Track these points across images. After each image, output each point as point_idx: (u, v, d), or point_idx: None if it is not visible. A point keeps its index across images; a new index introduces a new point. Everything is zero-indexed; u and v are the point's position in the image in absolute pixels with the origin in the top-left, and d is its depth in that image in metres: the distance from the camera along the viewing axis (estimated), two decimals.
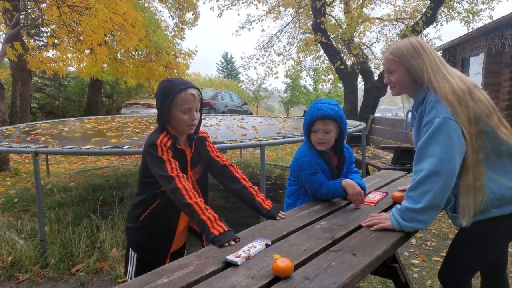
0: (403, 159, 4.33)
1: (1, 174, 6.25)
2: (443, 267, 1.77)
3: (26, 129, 5.04)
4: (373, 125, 5.95)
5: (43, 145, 3.33)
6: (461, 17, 10.81)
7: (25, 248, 3.19)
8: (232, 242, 1.47)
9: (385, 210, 1.86)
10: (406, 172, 2.61)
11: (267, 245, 1.46)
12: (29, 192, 5.03)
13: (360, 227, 1.65)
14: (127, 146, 3.14)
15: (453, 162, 1.47)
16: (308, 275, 1.24)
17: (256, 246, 1.44)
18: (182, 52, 13.90)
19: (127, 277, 1.88)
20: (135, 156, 7.29)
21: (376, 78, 12.07)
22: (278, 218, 1.74)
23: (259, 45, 13.21)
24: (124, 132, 4.36)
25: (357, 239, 1.52)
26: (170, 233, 1.79)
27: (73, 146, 3.19)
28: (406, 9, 11.35)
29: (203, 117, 1.90)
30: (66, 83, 15.74)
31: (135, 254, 1.83)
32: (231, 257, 1.34)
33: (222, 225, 1.52)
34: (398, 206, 1.61)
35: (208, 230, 1.50)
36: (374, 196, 2.01)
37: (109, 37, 11.79)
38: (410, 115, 1.77)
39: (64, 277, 2.96)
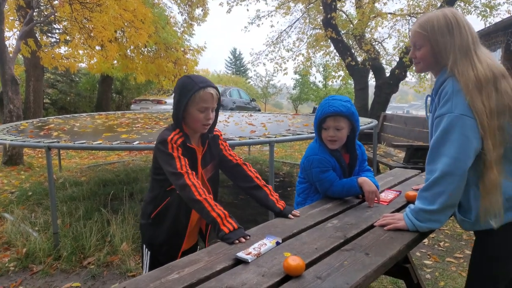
0: (416, 157, 4.28)
1: (15, 168, 6.35)
2: (470, 284, 1.62)
3: (39, 124, 5.10)
4: (384, 123, 5.90)
5: (55, 140, 3.36)
6: (478, 12, 10.55)
7: (39, 240, 3.24)
8: (243, 239, 1.46)
9: (399, 210, 1.84)
10: (419, 171, 2.57)
11: (277, 243, 1.45)
12: (42, 186, 5.10)
13: (372, 226, 1.63)
14: (137, 142, 3.15)
15: (468, 162, 1.40)
16: (320, 274, 1.23)
17: (267, 243, 1.43)
18: (191, 48, 13.93)
19: (144, 272, 1.89)
20: (145, 151, 7.34)
21: (387, 74, 11.94)
22: (291, 217, 1.71)
23: (268, 41, 13.15)
24: (134, 128, 4.39)
25: (370, 239, 1.50)
26: (181, 231, 1.78)
27: (84, 141, 3.21)
28: (420, 3, 11.14)
29: None
30: (77, 79, 15.89)
31: (148, 251, 1.84)
32: (241, 254, 1.33)
33: (232, 222, 1.52)
34: (411, 206, 1.58)
35: (218, 227, 1.49)
36: (387, 195, 1.99)
37: (119, 33, 11.86)
38: (429, 101, 1.63)
39: (76, 269, 3.01)
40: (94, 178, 5.46)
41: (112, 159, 7.39)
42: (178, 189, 1.60)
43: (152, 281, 1.19)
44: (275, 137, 3.31)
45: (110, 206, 3.92)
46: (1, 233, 3.60)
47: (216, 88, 1.70)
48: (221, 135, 1.89)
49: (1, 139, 3.44)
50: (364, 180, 1.90)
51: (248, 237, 1.48)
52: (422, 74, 12.77)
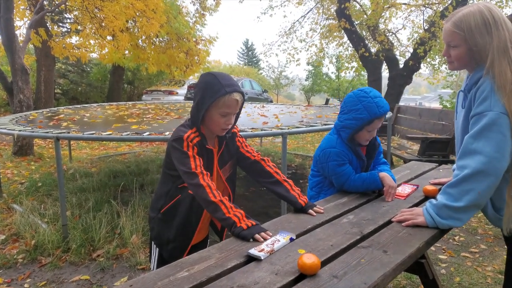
0: (431, 150, 4.16)
1: (25, 158, 6.38)
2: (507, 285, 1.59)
3: (49, 114, 5.10)
4: (398, 115, 5.76)
5: (64, 131, 3.33)
6: (495, 2, 10.25)
7: (48, 232, 3.23)
8: (264, 235, 1.38)
9: (416, 205, 1.75)
10: (436, 164, 2.47)
11: (291, 239, 1.38)
12: (52, 176, 5.11)
13: (390, 222, 1.55)
14: (147, 133, 3.10)
15: (504, 162, 1.33)
16: (336, 273, 1.16)
17: (280, 240, 1.36)
18: (203, 38, 13.84)
19: (152, 269, 1.85)
20: (155, 142, 7.33)
21: (401, 66, 11.71)
22: (313, 214, 1.63)
23: (281, 32, 12.98)
24: (145, 119, 4.34)
25: (388, 235, 1.42)
26: (191, 229, 1.72)
27: (94, 132, 3.18)
28: None
29: None
30: (88, 69, 15.95)
31: (157, 247, 1.79)
32: (253, 251, 1.27)
33: (250, 221, 1.45)
34: (433, 201, 1.50)
35: (235, 226, 1.42)
36: (404, 189, 1.90)
37: (131, 23, 11.83)
38: (461, 96, 1.55)
39: (85, 262, 2.99)
40: (104, 169, 5.45)
41: (123, 150, 7.39)
42: (192, 189, 1.53)
43: (161, 279, 1.13)
44: (288, 128, 3.22)
45: (120, 198, 3.90)
46: (10, 224, 3.60)
47: (242, 93, 1.61)
48: (238, 131, 1.80)
49: (10, 129, 3.42)
50: (385, 175, 1.84)
51: (269, 234, 1.39)
52: (436, 65, 12.50)
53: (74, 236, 3.20)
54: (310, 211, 1.63)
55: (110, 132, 3.15)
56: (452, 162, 4.24)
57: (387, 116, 4.31)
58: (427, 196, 1.82)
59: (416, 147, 5.06)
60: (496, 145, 1.32)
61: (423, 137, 4.30)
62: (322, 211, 1.65)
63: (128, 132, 3.13)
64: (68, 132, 3.30)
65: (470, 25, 1.38)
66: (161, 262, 1.76)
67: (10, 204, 4.12)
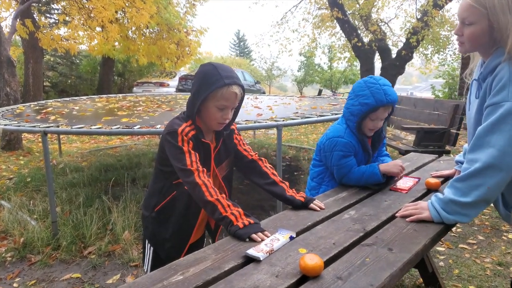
0: (426, 140, 4.12)
1: (14, 153, 6.23)
2: None
3: (37, 107, 4.95)
4: None
5: (52, 125, 3.22)
6: None
7: (37, 229, 3.13)
8: (260, 234, 1.31)
9: (419, 199, 1.69)
10: (436, 156, 2.42)
11: (291, 238, 1.31)
12: (41, 171, 4.98)
13: (393, 217, 1.49)
14: (138, 126, 3.01)
15: None
16: (340, 274, 1.09)
17: (279, 238, 1.29)
18: (194, 29, 13.62)
19: (145, 269, 1.77)
20: (147, 135, 7.20)
21: (394, 56, 11.67)
22: (317, 208, 1.56)
23: (273, 22, 12.84)
24: (135, 112, 4.23)
25: (392, 232, 1.36)
26: (188, 227, 1.64)
27: (82, 125, 3.07)
28: None
29: None
30: (77, 61, 15.65)
31: (151, 247, 1.72)
32: (252, 252, 1.20)
33: (248, 219, 1.37)
34: (439, 195, 1.43)
35: (231, 224, 1.34)
36: (405, 182, 1.84)
37: (120, 14, 11.59)
38: (475, 85, 1.45)
39: (76, 259, 2.90)
40: (95, 163, 5.34)
41: (114, 143, 7.26)
42: (188, 187, 1.45)
43: (154, 283, 1.06)
44: (283, 120, 3.14)
45: (111, 193, 3.80)
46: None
47: (242, 86, 1.51)
48: (236, 128, 1.71)
49: None
50: (384, 166, 1.79)
51: (267, 235, 1.32)
52: (429, 55, 12.48)
53: (64, 233, 3.11)
54: (313, 205, 1.56)
55: (100, 126, 3.04)
56: (448, 152, 4.22)
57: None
58: (430, 189, 1.76)
59: (411, 137, 5.02)
60: (511, 139, 1.23)
61: (419, 127, 4.25)
62: (323, 206, 1.58)
63: (118, 126, 3.03)
64: (57, 126, 3.19)
65: (493, 1, 1.25)
66: (157, 262, 1.69)
67: None
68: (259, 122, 3.10)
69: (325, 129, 9.30)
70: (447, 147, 4.20)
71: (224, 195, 1.42)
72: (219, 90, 1.44)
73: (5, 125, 3.26)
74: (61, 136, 6.29)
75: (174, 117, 1.56)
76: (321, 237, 1.33)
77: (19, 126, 3.20)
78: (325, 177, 1.92)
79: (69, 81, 15.06)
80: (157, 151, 1.61)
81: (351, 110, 1.81)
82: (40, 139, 7.40)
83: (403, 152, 3.99)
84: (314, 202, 1.58)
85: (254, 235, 1.30)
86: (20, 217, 3.41)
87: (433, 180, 1.76)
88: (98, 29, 10.32)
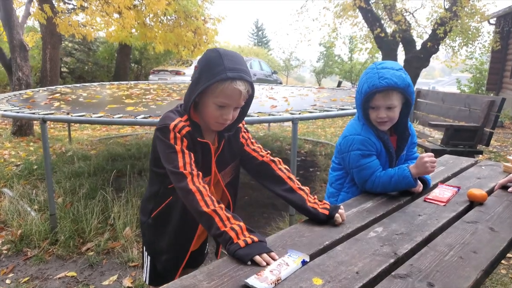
0: (456, 139, 3.77)
1: (25, 138, 6.14)
2: None
3: (45, 93, 4.80)
4: (418, 99, 5.33)
5: (53, 112, 3.03)
6: None
7: (36, 221, 2.96)
8: (266, 256, 1.05)
9: (462, 213, 1.40)
10: (475, 160, 2.11)
11: (303, 262, 1.05)
12: (50, 159, 4.84)
13: (430, 238, 1.21)
14: (142, 116, 2.78)
15: None
16: None
17: (289, 263, 1.04)
18: (212, 17, 13.35)
19: (143, 279, 1.56)
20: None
21: (418, 48, 11.15)
22: (339, 221, 1.29)
23: (292, 10, 12.45)
24: (143, 100, 4.01)
25: (431, 259, 1.08)
26: (186, 238, 1.41)
27: (83, 113, 2.86)
28: None
29: None
30: (94, 48, 15.60)
31: (148, 256, 1.50)
32: (253, 281, 0.94)
33: (251, 236, 1.11)
34: None
35: (231, 242, 1.09)
36: (442, 192, 1.55)
37: (138, 0, 11.43)
38: None
39: (73, 256, 2.73)
40: (103, 151, 5.18)
41: (126, 131, 7.10)
42: (180, 194, 1.20)
43: None
44: (299, 113, 2.86)
45: (116, 184, 3.62)
46: None
47: (250, 83, 1.23)
48: (243, 125, 1.44)
49: None
50: (415, 167, 1.51)
51: (274, 257, 1.06)
52: (456, 48, 11.87)
53: (63, 226, 2.93)
54: (337, 215, 1.28)
55: (101, 114, 2.83)
56: (480, 152, 3.86)
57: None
58: (472, 202, 1.47)
59: (437, 135, 4.67)
60: None
61: (448, 124, 3.90)
62: (344, 217, 1.31)
63: (121, 115, 2.81)
64: (62, 114, 3.00)
65: None
66: (154, 274, 1.50)
67: (1, 189, 3.87)
68: (273, 115, 2.82)
69: (344, 122, 8.94)
70: (479, 147, 3.85)
71: (222, 205, 1.17)
72: (219, 85, 1.18)
73: (5, 110, 3.08)
74: (71, 123, 6.16)
75: (169, 110, 1.31)
76: (342, 262, 1.07)
77: (18, 112, 3.01)
78: (344, 182, 1.65)
79: (86, 67, 15.03)
80: (151, 149, 1.37)
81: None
82: (52, 125, 7.34)
83: (429, 151, 3.66)
84: (340, 210, 1.30)
85: (257, 257, 1.04)
86: (20, 207, 3.26)
87: (478, 191, 1.47)
88: (116, 15, 10.20)
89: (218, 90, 1.19)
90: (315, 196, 1.34)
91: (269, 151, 1.44)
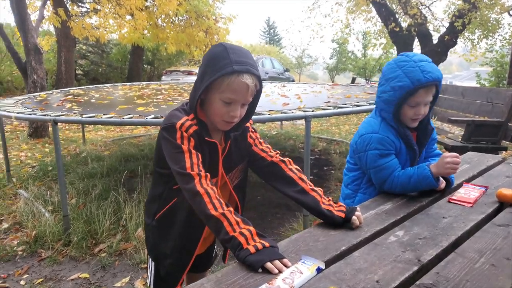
0: (477, 135, 3.62)
1: (40, 140, 6.21)
2: None
3: (58, 95, 4.83)
4: None
5: (64, 113, 3.02)
6: None
7: (49, 223, 2.97)
8: (278, 263, 0.98)
9: (491, 215, 1.30)
10: (502, 158, 1.98)
11: (318, 270, 0.98)
12: (64, 160, 4.88)
13: (457, 243, 1.12)
14: (152, 116, 2.74)
15: None
16: None
17: (303, 271, 0.96)
18: (223, 16, 13.32)
19: (148, 283, 1.51)
20: None
21: (435, 41, 10.88)
22: (356, 223, 1.21)
23: (304, 7, 12.30)
24: (154, 100, 3.99)
25: (459, 267, 0.99)
26: (191, 241, 1.34)
27: (93, 114, 2.84)
28: None
29: None
30: (108, 50, 15.78)
31: (152, 261, 1.45)
32: None
33: (262, 241, 1.04)
34: None
35: (240, 248, 1.02)
36: (468, 192, 1.45)
37: (150, 1, 11.49)
38: None
39: (86, 257, 2.71)
40: (117, 152, 5.19)
41: (139, 132, 7.12)
42: (186, 195, 1.14)
43: None
44: (312, 111, 2.77)
45: (128, 185, 3.60)
46: (15, 212, 3.36)
47: (258, 76, 1.16)
48: (251, 124, 1.37)
49: (9, 112, 3.14)
50: (436, 166, 1.41)
51: (287, 264, 0.99)
52: (475, 41, 11.55)
53: (76, 227, 2.92)
54: (354, 218, 1.20)
55: (112, 115, 2.80)
56: (504, 149, 3.70)
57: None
58: (502, 203, 1.37)
59: (457, 131, 4.51)
60: None
61: (469, 120, 3.74)
62: (362, 220, 1.23)
63: (131, 115, 2.78)
64: (74, 115, 2.99)
65: None
66: (158, 279, 1.44)
67: (18, 190, 3.89)
68: (285, 113, 2.74)
69: (359, 119, 8.78)
70: (503, 143, 3.68)
71: (231, 209, 1.10)
72: (226, 79, 1.11)
73: (18, 113, 3.09)
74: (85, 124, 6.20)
75: (175, 108, 1.25)
76: (360, 270, 0.98)
77: (30, 114, 3.01)
78: (361, 183, 1.56)
79: (100, 69, 15.22)
80: (155, 149, 1.31)
81: (384, 98, 1.45)
82: (67, 127, 7.41)
83: (450, 148, 3.52)
84: (356, 213, 1.22)
85: (269, 264, 0.97)
86: (35, 208, 3.27)
87: (509, 191, 1.36)
88: (129, 17, 10.28)
89: (224, 84, 1.12)
90: (330, 198, 1.26)
91: (278, 151, 1.37)
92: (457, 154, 1.38)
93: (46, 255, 2.73)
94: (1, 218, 3.29)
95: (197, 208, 1.11)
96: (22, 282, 2.46)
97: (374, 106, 2.99)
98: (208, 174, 1.14)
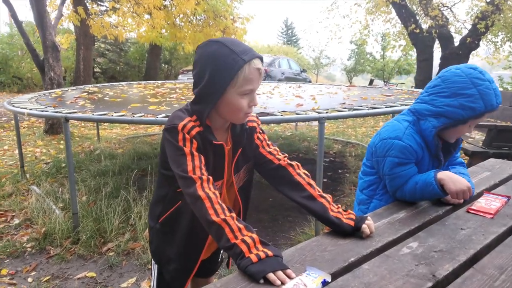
0: (500, 140, 3.48)
1: (56, 137, 6.29)
2: None
3: (73, 92, 4.87)
4: None
5: (76, 110, 3.02)
6: None
7: (59, 220, 2.97)
8: (281, 274, 0.92)
9: None
10: None
11: (324, 283, 0.91)
12: (78, 157, 4.92)
13: (476, 258, 1.04)
14: (163, 115, 2.70)
15: None
16: None
17: (307, 283, 0.90)
18: (241, 16, 13.31)
19: (151, 287, 1.47)
20: None
21: (456, 44, 10.61)
22: (367, 231, 1.14)
23: (322, 7, 12.18)
24: (167, 99, 3.97)
25: (478, 284, 0.91)
26: (196, 246, 1.29)
27: (105, 112, 2.83)
28: None
29: None
30: (126, 48, 15.96)
31: (156, 264, 1.41)
32: None
33: (265, 249, 0.98)
34: None
35: (242, 256, 0.96)
36: (489, 202, 1.35)
37: (168, 1, 11.57)
38: None
39: (93, 256, 2.69)
40: (130, 150, 5.20)
41: (153, 130, 7.15)
42: (188, 200, 1.09)
43: None
44: (326, 112, 2.69)
45: (139, 184, 3.59)
46: (26, 208, 3.39)
47: (261, 57, 1.13)
48: (259, 125, 1.32)
49: (22, 108, 3.16)
50: (446, 175, 1.30)
51: (291, 275, 0.93)
52: (499, 43, 11.23)
53: (86, 225, 2.91)
54: (364, 226, 1.13)
55: (123, 113, 2.78)
56: None
57: None
58: None
59: (478, 136, 4.35)
60: None
61: (491, 124, 3.60)
62: (373, 229, 1.16)
63: (142, 114, 2.75)
64: (83, 112, 2.99)
65: None
66: (162, 283, 1.40)
67: (30, 186, 3.93)
68: (298, 114, 2.67)
69: (376, 122, 8.62)
70: None
71: (234, 214, 1.04)
72: (241, 73, 1.06)
73: (31, 109, 3.11)
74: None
75: (178, 109, 1.20)
76: (369, 284, 0.91)
77: (42, 111, 3.02)
78: (377, 189, 1.48)
79: (118, 67, 15.41)
80: (160, 151, 1.26)
81: (444, 111, 1.31)
82: (82, 124, 7.49)
83: (470, 154, 3.39)
84: (367, 221, 1.15)
85: (271, 275, 0.91)
86: (46, 205, 3.29)
87: None
88: (147, 16, 10.37)
89: (240, 79, 1.07)
90: (339, 205, 1.19)
91: (286, 154, 1.30)
92: (471, 188, 1.29)
93: (54, 253, 2.73)
94: (13, 214, 3.31)
95: (198, 213, 1.06)
96: (29, 279, 2.46)
97: (391, 108, 2.90)
98: (211, 178, 1.09)
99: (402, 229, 1.20)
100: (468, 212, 1.31)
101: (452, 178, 1.30)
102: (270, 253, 0.97)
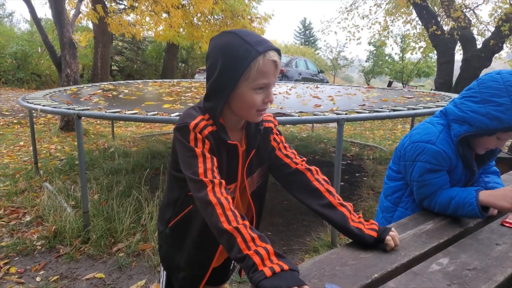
0: None
1: (71, 134, 6.32)
2: None
3: (88, 89, 4.87)
4: None
5: (89, 108, 2.99)
6: None
7: (70, 218, 2.93)
8: None
9: None
10: None
11: None
12: (91, 154, 4.92)
13: None
14: (176, 114, 2.64)
15: None
16: None
17: None
18: (258, 16, 13.25)
19: None
20: None
21: (479, 46, 10.31)
22: (391, 245, 1.04)
23: (341, 7, 12.02)
24: (182, 98, 3.91)
25: None
26: (207, 253, 1.21)
27: (117, 110, 2.78)
28: None
29: None
30: (143, 47, 16.09)
31: (165, 270, 1.33)
32: None
33: (280, 262, 0.88)
34: None
35: (255, 269, 0.87)
36: None
37: (186, 0, 11.61)
38: None
39: (103, 256, 2.65)
40: (144, 149, 5.17)
41: (168, 129, 7.13)
42: (198, 205, 1.01)
43: None
44: (345, 113, 2.58)
45: (151, 183, 3.54)
46: (38, 205, 3.37)
47: (278, 50, 1.03)
48: (275, 125, 1.22)
49: (36, 104, 3.15)
50: (490, 195, 1.17)
51: None
52: None
53: (96, 225, 2.87)
54: (388, 238, 1.03)
55: (136, 111, 2.73)
56: None
57: None
58: None
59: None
60: None
61: None
62: (398, 242, 1.05)
63: (155, 112, 2.69)
64: (98, 110, 2.95)
65: None
66: None
67: (43, 183, 3.93)
68: (316, 115, 2.57)
69: (394, 125, 8.41)
70: None
71: (247, 222, 0.95)
72: (253, 65, 0.97)
73: (44, 105, 3.09)
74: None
75: (191, 107, 1.11)
76: None
77: (54, 108, 3.00)
78: (403, 196, 1.37)
79: (135, 66, 15.54)
80: (171, 151, 1.18)
81: (469, 117, 1.20)
82: (98, 121, 7.53)
83: (497, 160, 3.22)
84: (391, 233, 1.05)
85: None
86: (58, 202, 3.27)
87: None
88: (164, 15, 10.42)
89: (253, 72, 0.98)
90: (360, 214, 1.08)
91: (304, 158, 1.20)
92: None
93: (64, 252, 2.70)
94: (25, 211, 3.30)
95: (208, 220, 0.97)
96: (37, 279, 2.42)
97: (413, 111, 2.77)
98: (223, 182, 1.00)
99: (430, 243, 1.09)
100: (502, 225, 1.20)
101: (495, 195, 1.16)
102: (285, 266, 0.87)
